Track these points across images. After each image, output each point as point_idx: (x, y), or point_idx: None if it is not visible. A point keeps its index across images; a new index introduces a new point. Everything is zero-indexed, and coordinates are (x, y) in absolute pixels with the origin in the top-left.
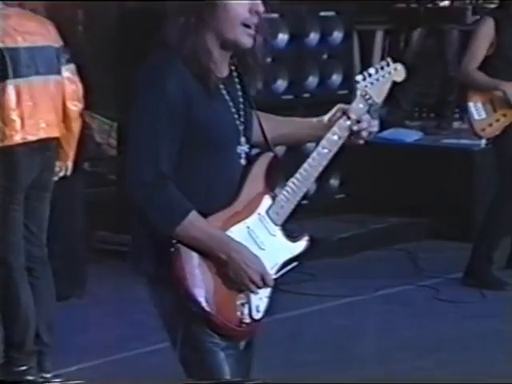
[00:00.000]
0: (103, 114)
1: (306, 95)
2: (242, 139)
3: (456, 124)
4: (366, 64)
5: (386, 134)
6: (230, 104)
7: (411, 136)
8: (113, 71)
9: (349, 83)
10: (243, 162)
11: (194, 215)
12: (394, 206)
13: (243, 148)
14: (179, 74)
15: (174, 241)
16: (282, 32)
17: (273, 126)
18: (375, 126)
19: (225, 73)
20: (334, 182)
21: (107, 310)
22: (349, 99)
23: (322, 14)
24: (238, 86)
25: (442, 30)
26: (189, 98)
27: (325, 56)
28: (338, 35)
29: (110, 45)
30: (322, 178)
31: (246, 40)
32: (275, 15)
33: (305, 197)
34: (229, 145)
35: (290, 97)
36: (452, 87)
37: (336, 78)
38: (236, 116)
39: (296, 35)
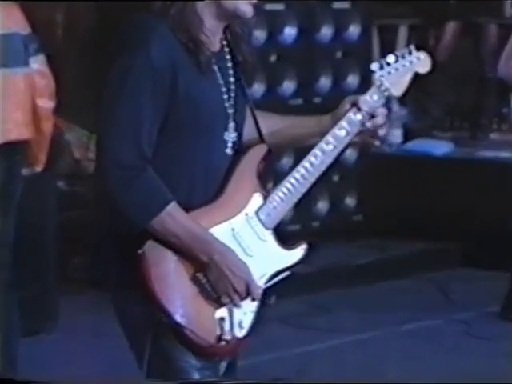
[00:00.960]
0: (79, 124)
1: (317, 100)
2: (231, 125)
3: (494, 135)
4: None
5: (411, 145)
6: (221, 82)
7: (441, 148)
8: (91, 77)
9: (367, 86)
10: (230, 151)
11: (173, 207)
12: (420, 229)
13: (231, 135)
14: (165, 39)
15: (147, 239)
16: (289, 26)
17: (270, 121)
18: (397, 136)
19: (216, 47)
20: (350, 201)
21: (82, 347)
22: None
23: (336, 4)
24: (230, 64)
25: (478, 25)
26: (175, 67)
27: (339, 54)
28: (354, 30)
29: (88, 48)
30: (336, 197)
31: (247, 9)
32: (280, 6)
33: (316, 218)
34: (215, 129)
35: (299, 101)
36: (489, 92)
37: (352, 80)
38: (226, 97)
39: (305, 30)
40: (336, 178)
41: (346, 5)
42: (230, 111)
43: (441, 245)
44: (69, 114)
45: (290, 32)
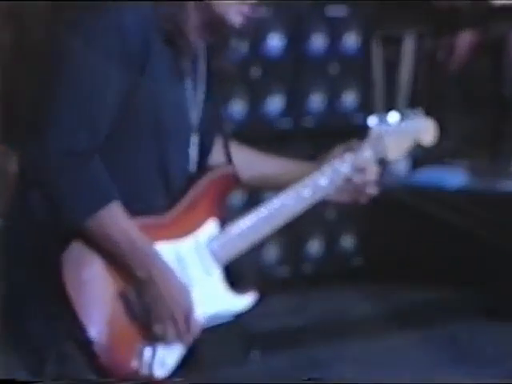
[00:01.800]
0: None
1: (308, 122)
2: (193, 139)
3: None
4: (390, 80)
5: (420, 175)
6: (188, 88)
7: (454, 178)
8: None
9: (366, 106)
10: (191, 168)
11: (116, 207)
12: (432, 275)
13: (193, 152)
14: (143, 17)
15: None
16: (276, 35)
17: (249, 159)
18: (402, 165)
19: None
20: (348, 242)
21: None
22: (367, 127)
23: (330, 12)
24: (202, 73)
25: (499, 35)
26: (148, 51)
27: (334, 69)
28: (351, 41)
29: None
30: (332, 237)
31: (236, 18)
32: (266, 13)
33: (308, 261)
34: (174, 138)
35: (286, 122)
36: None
37: (349, 99)
38: (191, 106)
39: (294, 40)
40: (332, 214)
41: (342, 12)
42: (194, 123)
43: (456, 292)
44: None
45: (276, 43)
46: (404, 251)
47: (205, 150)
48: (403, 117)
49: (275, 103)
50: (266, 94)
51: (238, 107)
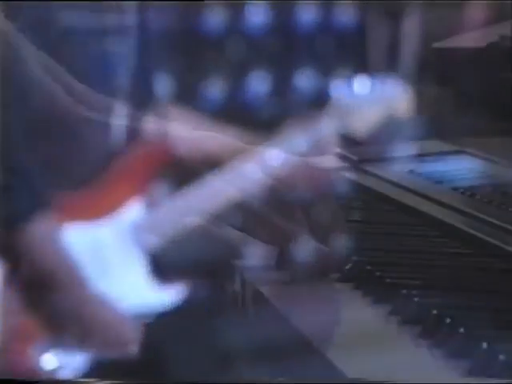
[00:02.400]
0: None
1: (298, 105)
2: (123, 107)
3: None
4: (390, 59)
5: (422, 167)
6: (118, 48)
7: (461, 168)
8: None
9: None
10: (120, 139)
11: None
12: (435, 277)
13: (123, 119)
14: None
15: None
16: (259, 10)
17: (186, 131)
18: (400, 159)
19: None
20: (342, 239)
21: None
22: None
23: None
24: (135, 33)
25: None
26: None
27: (327, 45)
28: (346, 14)
29: None
30: (324, 233)
31: None
32: None
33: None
34: (98, 105)
35: (272, 107)
36: None
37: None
38: (121, 68)
39: (281, 15)
40: (323, 213)
41: None
42: (124, 90)
43: (474, 298)
44: None
45: (259, 18)
46: (403, 250)
47: (136, 120)
48: (371, 83)
49: (256, 87)
50: (245, 76)
51: (213, 88)
